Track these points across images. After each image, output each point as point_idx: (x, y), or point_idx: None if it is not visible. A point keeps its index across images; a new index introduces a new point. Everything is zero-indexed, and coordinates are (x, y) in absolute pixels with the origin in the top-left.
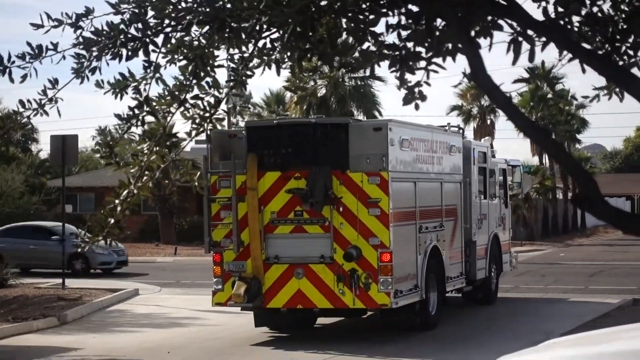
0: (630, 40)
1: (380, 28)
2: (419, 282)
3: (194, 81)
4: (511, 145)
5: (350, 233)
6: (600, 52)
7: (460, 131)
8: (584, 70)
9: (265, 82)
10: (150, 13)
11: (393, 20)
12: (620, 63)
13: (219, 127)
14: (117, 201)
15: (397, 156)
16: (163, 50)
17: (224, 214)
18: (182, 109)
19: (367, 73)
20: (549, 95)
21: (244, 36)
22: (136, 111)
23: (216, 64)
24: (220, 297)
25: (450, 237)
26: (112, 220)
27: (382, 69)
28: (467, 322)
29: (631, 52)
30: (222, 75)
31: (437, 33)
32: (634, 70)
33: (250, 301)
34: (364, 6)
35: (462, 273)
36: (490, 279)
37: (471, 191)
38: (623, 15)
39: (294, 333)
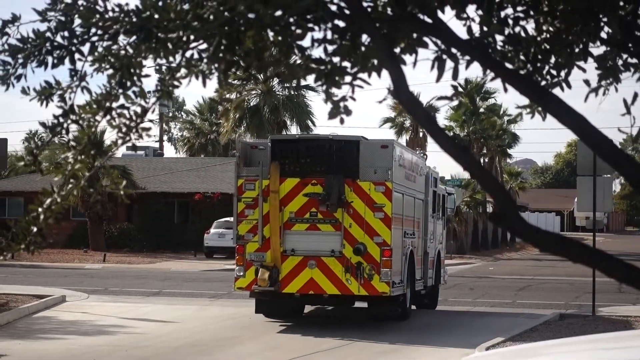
0: (552, 60)
1: (307, 42)
2: (403, 278)
3: (120, 90)
4: (443, 159)
5: (358, 232)
6: (522, 72)
7: (425, 156)
8: (505, 90)
9: (199, 90)
10: (77, 21)
11: (319, 34)
12: (543, 83)
13: (145, 136)
14: (40, 209)
15: (396, 170)
16: (89, 58)
17: (248, 212)
18: (108, 117)
19: (293, 82)
20: (481, 110)
21: (170, 46)
22: (61, 119)
23: (143, 73)
24: (241, 282)
25: (417, 245)
26: (35, 229)
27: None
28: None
29: (554, 72)
30: (149, 84)
31: (363, 49)
32: (556, 91)
33: (272, 285)
34: (290, 20)
35: (421, 278)
36: (436, 287)
37: (428, 209)
38: (546, 36)
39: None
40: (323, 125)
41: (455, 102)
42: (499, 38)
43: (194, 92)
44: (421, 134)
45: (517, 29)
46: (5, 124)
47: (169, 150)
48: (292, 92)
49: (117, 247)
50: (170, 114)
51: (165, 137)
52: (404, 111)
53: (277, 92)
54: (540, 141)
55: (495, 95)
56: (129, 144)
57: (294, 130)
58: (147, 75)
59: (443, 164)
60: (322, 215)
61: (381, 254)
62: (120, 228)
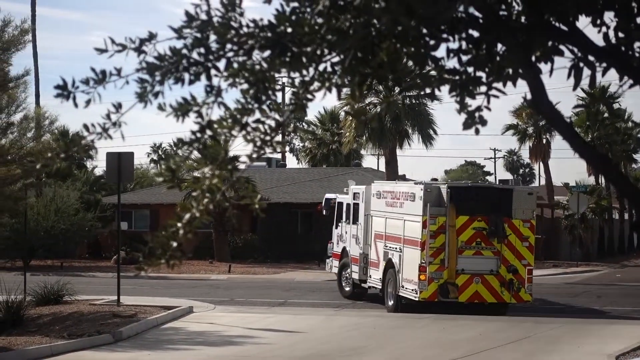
0: None
1: (440, 53)
2: None
3: (256, 105)
4: (567, 165)
5: (510, 256)
6: None
7: None
8: None
9: (319, 100)
10: (213, 38)
11: (454, 45)
12: None
13: (278, 149)
14: (179, 224)
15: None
16: (225, 74)
17: (430, 241)
18: (243, 132)
19: (426, 91)
20: (605, 115)
21: (305, 60)
22: (198, 135)
23: (277, 87)
24: (424, 294)
25: None
26: (175, 244)
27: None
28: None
29: None
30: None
31: (498, 58)
32: None
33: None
34: (424, 31)
35: None
36: None
37: None
38: None
39: None
40: (445, 134)
41: (579, 109)
42: (637, 45)
43: (314, 102)
44: (544, 141)
45: None
46: (127, 137)
47: (291, 161)
48: (414, 101)
49: (242, 258)
50: (293, 125)
51: (287, 148)
52: (535, 115)
53: (399, 102)
54: None
55: (619, 99)
56: (263, 157)
57: (415, 139)
58: (281, 89)
59: (567, 171)
60: (484, 244)
61: (526, 272)
62: (245, 239)
